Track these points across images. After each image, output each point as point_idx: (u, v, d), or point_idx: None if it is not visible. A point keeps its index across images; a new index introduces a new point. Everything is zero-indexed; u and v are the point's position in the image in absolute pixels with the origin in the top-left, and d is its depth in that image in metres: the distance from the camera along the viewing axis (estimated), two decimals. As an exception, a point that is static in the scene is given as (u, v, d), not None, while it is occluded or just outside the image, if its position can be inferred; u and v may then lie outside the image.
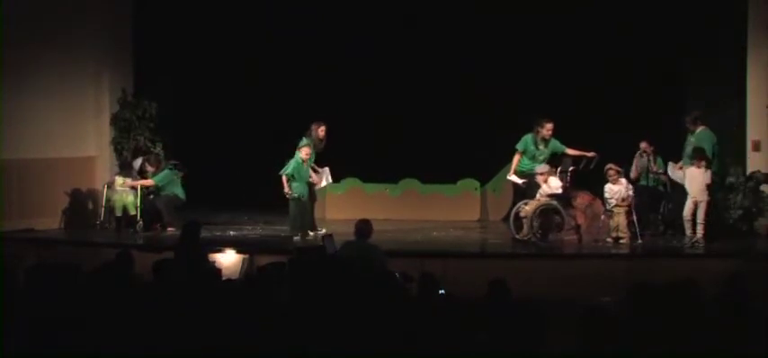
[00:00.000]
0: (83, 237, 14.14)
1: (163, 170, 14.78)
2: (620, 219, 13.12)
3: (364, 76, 17.52)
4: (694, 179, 12.98)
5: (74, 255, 12.03)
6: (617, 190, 13.16)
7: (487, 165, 16.72)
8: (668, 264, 11.70)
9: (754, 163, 14.21)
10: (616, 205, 13.14)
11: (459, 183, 16.82)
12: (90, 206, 15.28)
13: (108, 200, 14.71)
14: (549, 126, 13.56)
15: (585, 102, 16.32)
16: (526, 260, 12.21)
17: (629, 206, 13.15)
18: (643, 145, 13.97)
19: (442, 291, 7.66)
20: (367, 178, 17.05)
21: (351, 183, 17.17)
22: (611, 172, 13.25)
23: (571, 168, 13.62)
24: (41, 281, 6.95)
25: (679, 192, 13.81)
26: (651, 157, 14.04)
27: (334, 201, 17.04)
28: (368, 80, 17.50)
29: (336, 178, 16.55)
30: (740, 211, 13.62)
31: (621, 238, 13.06)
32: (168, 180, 14.73)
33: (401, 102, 17.27)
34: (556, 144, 13.69)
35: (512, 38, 16.89)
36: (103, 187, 14.88)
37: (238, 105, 17.57)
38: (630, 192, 13.19)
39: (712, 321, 6.58)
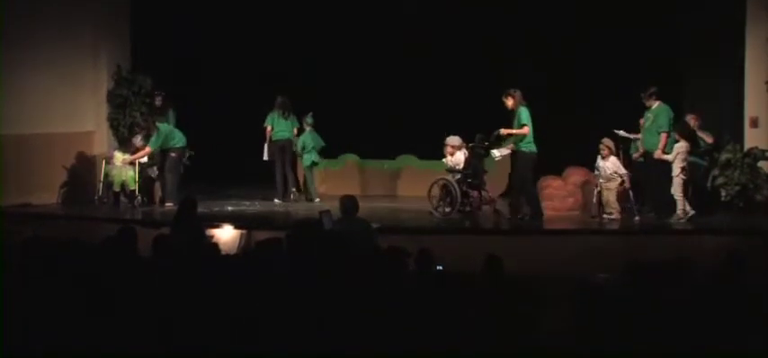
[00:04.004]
0: (81, 213, 14.18)
1: (153, 131, 14.79)
2: (609, 196, 13.17)
3: (363, 53, 17.58)
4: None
5: (72, 230, 12.05)
6: (603, 166, 13.24)
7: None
8: (664, 240, 11.73)
9: (751, 139, 14.23)
10: (604, 181, 13.20)
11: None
12: (88, 181, 15.33)
13: (106, 175, 14.76)
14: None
15: (588, 76, 16.41)
16: (523, 237, 12.24)
17: (620, 183, 13.17)
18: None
19: (440, 267, 7.72)
20: (364, 154, 17.11)
21: (348, 158, 17.24)
22: (603, 147, 13.31)
23: (486, 144, 13.51)
24: (40, 254, 7.03)
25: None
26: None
27: (332, 176, 17.12)
28: (366, 57, 17.55)
29: (334, 154, 16.70)
30: (737, 188, 13.64)
31: (611, 214, 13.10)
32: (163, 137, 14.74)
33: (398, 78, 17.30)
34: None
35: (507, 17, 16.96)
36: (102, 162, 14.92)
37: (236, 82, 17.60)
38: (620, 170, 13.18)
39: (710, 297, 6.63)
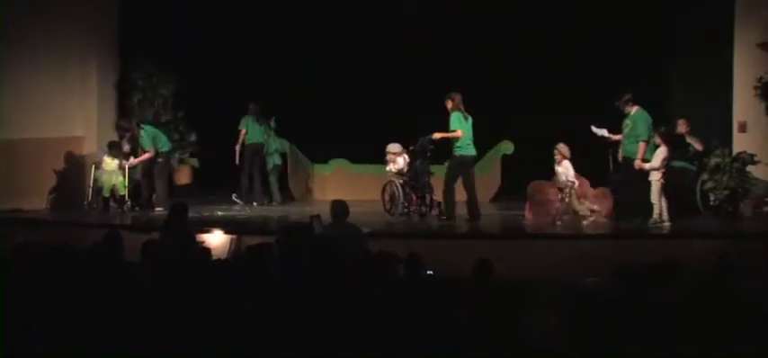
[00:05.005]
0: (70, 218, 14.13)
1: (138, 133, 14.80)
2: (572, 202, 13.16)
3: (352, 58, 17.59)
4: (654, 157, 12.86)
5: (61, 236, 12.02)
6: (558, 172, 13.25)
7: (476, 145, 16.79)
8: (653, 244, 11.74)
9: (740, 144, 14.30)
10: (560, 187, 13.23)
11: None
12: (77, 186, 15.29)
13: (96, 180, 14.71)
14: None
15: (572, 80, 16.46)
16: (513, 241, 12.27)
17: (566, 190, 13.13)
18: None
19: (430, 272, 7.73)
20: (354, 159, 17.13)
21: (338, 163, 17.26)
22: (556, 152, 13.32)
23: (431, 147, 13.68)
24: (30, 260, 7.03)
25: (665, 173, 13.91)
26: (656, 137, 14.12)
27: (321, 181, 17.15)
28: (356, 61, 17.57)
29: (324, 158, 16.74)
30: (726, 192, 13.71)
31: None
32: (153, 135, 14.83)
33: (389, 82, 17.32)
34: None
35: (493, 22, 17.03)
36: (91, 167, 14.88)
37: (222, 85, 17.57)
38: (568, 178, 13.12)
39: (699, 301, 6.65)
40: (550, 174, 13.69)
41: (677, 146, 14.13)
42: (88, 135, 15.58)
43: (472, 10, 17.09)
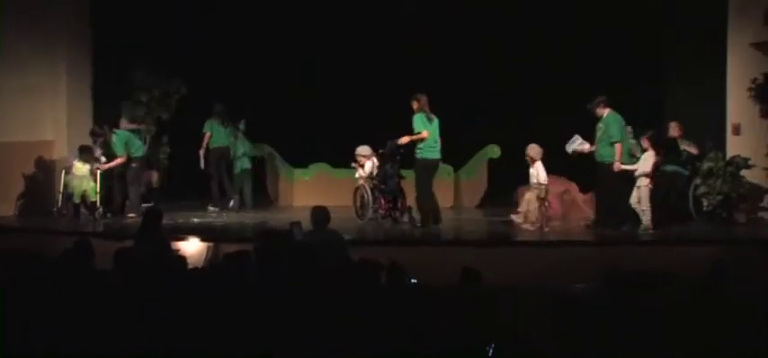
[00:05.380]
0: (39, 225, 14.10)
1: (111, 138, 14.80)
2: (528, 205, 13.22)
3: (334, 62, 17.67)
4: (640, 162, 12.93)
5: (31, 243, 11.99)
6: (530, 174, 13.32)
7: (461, 150, 16.88)
8: (644, 251, 11.83)
9: (734, 147, 14.37)
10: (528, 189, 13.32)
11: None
12: (46, 192, 15.27)
13: (66, 186, 14.68)
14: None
15: (564, 84, 16.54)
16: (499, 248, 12.32)
17: (538, 194, 13.17)
18: (627, 129, 14.17)
19: (414, 280, 7.76)
20: (336, 163, 17.16)
21: (319, 168, 17.28)
22: (526, 154, 13.39)
23: (399, 151, 13.81)
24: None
25: (657, 178, 14.00)
26: (633, 141, 14.22)
27: (302, 186, 17.18)
28: (338, 66, 17.64)
29: (304, 163, 16.78)
30: (720, 197, 13.77)
31: (533, 225, 13.13)
32: (126, 139, 14.83)
33: (371, 85, 17.37)
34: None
35: (480, 24, 17.12)
36: (61, 172, 14.85)
37: (198, 89, 17.59)
38: (539, 180, 13.17)
39: (692, 308, 6.70)
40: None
41: (670, 149, 14.22)
42: (58, 138, 15.56)
43: (472, 10, 17.20)
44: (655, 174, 12.84)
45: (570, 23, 16.81)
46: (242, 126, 16.25)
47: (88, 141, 14.95)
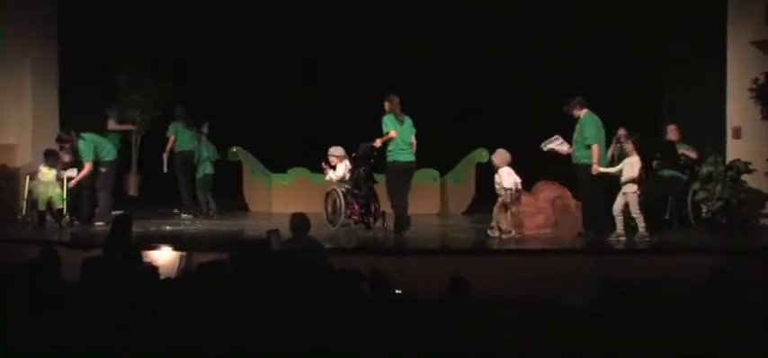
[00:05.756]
0: (3, 233, 13.94)
1: (77, 144, 14.70)
2: (496, 212, 13.25)
3: (316, 65, 17.72)
4: (625, 168, 12.91)
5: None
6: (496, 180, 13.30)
7: (448, 154, 16.89)
8: (641, 260, 11.82)
9: (734, 151, 14.39)
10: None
11: (417, 173, 16.89)
12: (10, 199, 15.15)
13: (30, 192, 14.57)
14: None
15: (551, 92, 16.59)
16: (489, 256, 12.30)
17: (509, 199, 13.17)
18: (620, 131, 14.17)
19: (398, 291, 7.70)
20: (316, 168, 17.10)
21: (298, 173, 17.22)
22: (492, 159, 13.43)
23: (374, 154, 13.95)
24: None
25: (653, 183, 14.03)
26: (627, 145, 14.21)
27: (281, 193, 17.12)
28: (320, 69, 17.69)
29: (283, 168, 16.74)
30: (719, 203, 13.76)
31: (501, 234, 13.13)
32: (95, 144, 14.67)
33: (353, 88, 17.39)
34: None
35: (469, 28, 17.17)
36: (25, 178, 14.74)
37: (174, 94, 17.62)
38: (502, 185, 13.14)
39: (690, 321, 6.66)
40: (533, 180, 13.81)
41: (667, 153, 14.22)
42: (22, 143, 15.47)
43: (470, 11, 17.25)
44: (641, 180, 12.82)
45: (570, 23, 16.86)
46: (205, 129, 16.27)
47: (54, 145, 14.83)
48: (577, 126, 13.23)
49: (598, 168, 12.88)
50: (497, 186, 13.20)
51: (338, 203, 14.25)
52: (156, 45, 17.21)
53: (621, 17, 16.30)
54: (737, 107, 14.55)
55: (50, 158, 14.55)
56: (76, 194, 14.79)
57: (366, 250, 12.49)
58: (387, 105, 13.65)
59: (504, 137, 15.54)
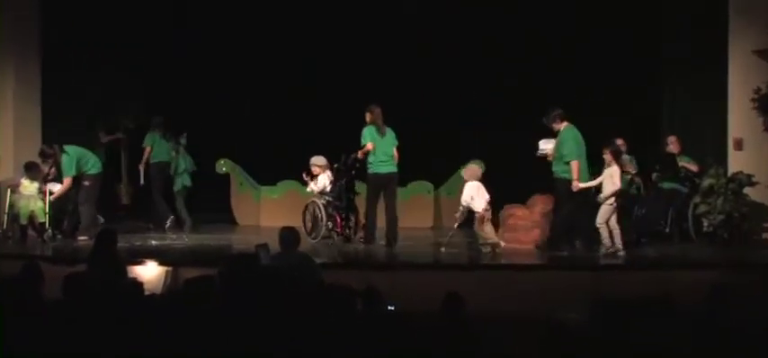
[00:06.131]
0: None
1: (61, 158, 14.71)
2: (477, 226, 13.25)
3: (309, 77, 17.77)
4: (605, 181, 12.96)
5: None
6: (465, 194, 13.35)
7: (442, 166, 16.92)
8: (637, 276, 11.84)
9: (736, 163, 14.40)
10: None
11: (410, 185, 16.94)
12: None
13: (11, 206, 14.54)
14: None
15: (547, 102, 16.68)
16: (484, 271, 12.31)
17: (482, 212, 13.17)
18: (618, 142, 14.23)
19: (391, 307, 7.75)
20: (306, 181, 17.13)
21: (287, 186, 17.22)
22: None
23: (356, 166, 14.21)
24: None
25: (653, 196, 14.10)
26: (626, 156, 14.30)
27: (270, 206, 17.13)
28: (312, 81, 17.74)
29: (273, 181, 16.77)
30: (721, 217, 13.78)
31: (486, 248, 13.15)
32: (76, 158, 14.68)
33: (345, 99, 17.41)
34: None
35: (469, 29, 17.26)
36: (7, 192, 14.72)
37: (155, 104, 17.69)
38: (475, 206, 13.16)
39: (690, 338, 6.70)
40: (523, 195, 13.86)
41: (668, 166, 14.28)
42: (4, 156, 15.43)
43: (471, 10, 17.36)
44: (621, 193, 12.91)
45: (570, 23, 16.96)
46: (183, 140, 16.35)
47: (35, 157, 14.84)
48: (557, 140, 13.32)
49: (578, 185, 13.00)
50: (467, 201, 13.23)
51: (319, 216, 14.43)
52: (142, 54, 17.33)
53: (621, 18, 16.38)
54: (739, 118, 14.56)
55: (32, 171, 14.52)
56: (59, 208, 14.80)
57: (357, 265, 12.53)
58: (368, 116, 13.93)
59: (508, 139, 15.68)
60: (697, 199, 14.02)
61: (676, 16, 15.96)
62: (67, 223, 14.87)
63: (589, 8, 16.61)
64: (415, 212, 16.59)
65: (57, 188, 14.55)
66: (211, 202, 17.42)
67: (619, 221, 12.83)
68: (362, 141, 13.79)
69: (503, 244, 13.25)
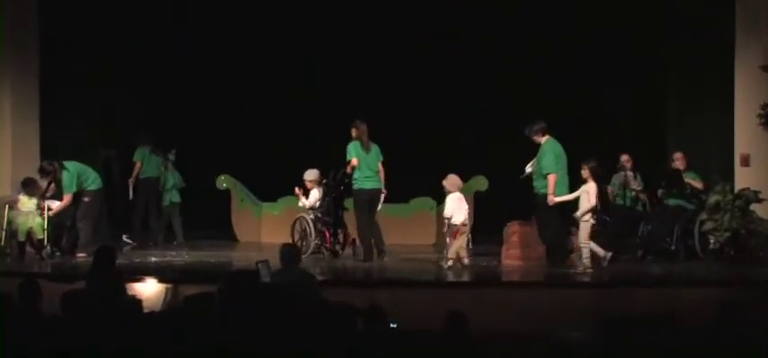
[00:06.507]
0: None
1: (61, 175, 14.68)
2: (448, 241, 13.30)
3: (309, 92, 17.81)
4: (582, 197, 12.96)
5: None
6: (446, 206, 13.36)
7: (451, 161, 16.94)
8: (643, 293, 11.79)
9: (742, 179, 14.37)
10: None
11: (412, 202, 16.92)
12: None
13: (9, 222, 14.51)
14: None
15: (555, 116, 16.69)
16: (487, 289, 12.28)
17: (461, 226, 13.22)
18: (623, 158, 14.22)
19: (394, 325, 7.72)
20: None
21: (288, 202, 17.18)
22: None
23: (345, 181, 14.29)
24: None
25: (659, 213, 14.08)
26: (630, 172, 14.29)
27: (270, 222, 17.12)
28: (313, 96, 17.77)
29: (273, 197, 16.77)
30: (728, 234, 13.73)
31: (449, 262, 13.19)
32: (76, 175, 14.65)
33: (344, 114, 17.44)
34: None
35: (469, 29, 17.35)
36: (5, 208, 14.69)
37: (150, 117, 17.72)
38: (455, 219, 13.20)
39: (695, 356, 6.68)
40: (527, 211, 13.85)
41: (674, 182, 14.26)
42: (2, 172, 15.40)
43: (472, 11, 17.42)
44: (597, 209, 12.93)
45: (570, 23, 17.00)
46: (172, 156, 16.46)
47: (33, 172, 14.82)
48: (538, 154, 13.38)
49: (554, 199, 13.03)
50: (449, 214, 13.26)
51: (308, 230, 14.58)
52: (141, 69, 17.46)
53: (624, 20, 16.45)
54: (746, 134, 14.53)
55: (29, 187, 14.46)
56: (58, 224, 14.77)
57: (360, 282, 12.50)
58: (354, 131, 14.10)
59: (512, 152, 15.65)
60: (703, 215, 13.97)
61: (683, 32, 15.93)
62: (66, 240, 14.83)
63: (591, 15, 16.66)
64: (417, 229, 16.58)
65: (55, 205, 14.52)
66: (212, 219, 17.42)
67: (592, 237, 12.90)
68: (348, 157, 13.96)
69: (466, 261, 13.24)
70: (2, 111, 15.47)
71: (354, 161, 13.87)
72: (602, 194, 13.90)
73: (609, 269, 12.94)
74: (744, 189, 14.01)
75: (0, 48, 15.40)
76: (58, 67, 16.03)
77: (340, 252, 14.62)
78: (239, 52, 18.13)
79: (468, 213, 13.58)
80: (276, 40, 18.07)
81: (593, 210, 12.78)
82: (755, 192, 13.89)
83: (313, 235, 14.49)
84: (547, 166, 13.12)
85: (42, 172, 14.71)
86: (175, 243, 16.27)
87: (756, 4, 14.50)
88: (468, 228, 13.45)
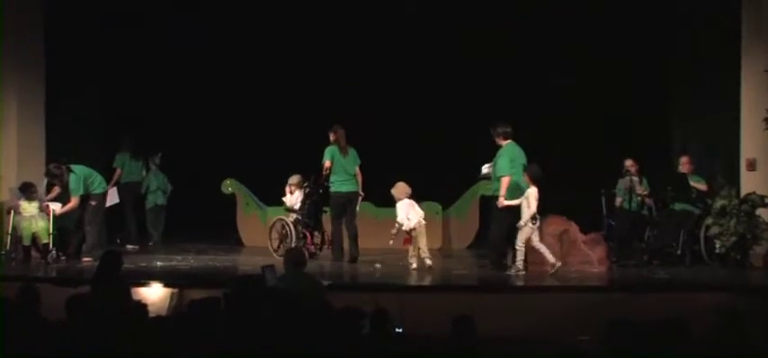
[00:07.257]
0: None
1: (68, 178, 14.67)
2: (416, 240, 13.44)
3: (316, 95, 17.83)
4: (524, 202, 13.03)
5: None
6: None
7: (450, 187, 16.88)
8: (650, 298, 11.75)
9: (748, 184, 14.33)
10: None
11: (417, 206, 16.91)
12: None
13: (14, 227, 14.48)
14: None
15: (557, 122, 16.70)
16: (494, 294, 12.24)
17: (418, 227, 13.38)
18: (628, 163, 14.19)
19: (399, 330, 7.71)
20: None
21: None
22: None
23: (325, 184, 14.59)
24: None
25: (665, 217, 14.05)
26: (636, 178, 14.26)
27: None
28: (320, 99, 17.77)
29: (278, 201, 16.74)
30: (734, 238, 13.69)
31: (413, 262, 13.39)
32: (83, 177, 14.65)
33: (353, 119, 17.45)
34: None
35: (472, 61, 17.36)
36: (9, 212, 14.67)
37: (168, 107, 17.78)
38: (406, 225, 13.35)
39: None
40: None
41: (680, 186, 14.23)
42: (7, 176, 15.37)
43: (472, 11, 17.42)
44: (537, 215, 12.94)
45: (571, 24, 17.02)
46: (157, 160, 16.77)
47: (39, 178, 14.82)
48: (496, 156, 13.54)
49: (503, 201, 13.13)
50: (403, 220, 13.41)
51: (288, 232, 14.93)
52: (144, 75, 17.62)
53: (629, 22, 16.43)
54: (752, 138, 14.48)
55: (27, 191, 14.42)
56: (63, 228, 14.75)
57: (365, 287, 12.46)
58: (331, 136, 14.51)
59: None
60: (709, 220, 13.93)
61: (688, 36, 15.91)
62: (71, 244, 14.82)
63: (594, 20, 16.69)
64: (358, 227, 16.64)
65: (58, 206, 14.51)
66: (217, 223, 17.43)
67: (541, 240, 13.05)
68: (322, 160, 14.36)
69: (429, 262, 13.40)
70: (8, 117, 15.44)
71: (327, 163, 14.29)
72: (607, 199, 13.91)
73: (614, 273, 12.91)
74: (750, 193, 13.98)
75: (4, 55, 15.39)
76: (63, 73, 16.01)
77: (318, 253, 15.03)
78: (247, 58, 18.23)
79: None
80: (283, 46, 18.12)
81: (533, 216, 12.86)
82: (762, 197, 13.86)
83: (293, 236, 14.82)
84: (500, 169, 13.32)
85: (50, 175, 14.72)
86: (151, 244, 16.55)
87: (763, 8, 14.46)
88: (422, 230, 13.49)
